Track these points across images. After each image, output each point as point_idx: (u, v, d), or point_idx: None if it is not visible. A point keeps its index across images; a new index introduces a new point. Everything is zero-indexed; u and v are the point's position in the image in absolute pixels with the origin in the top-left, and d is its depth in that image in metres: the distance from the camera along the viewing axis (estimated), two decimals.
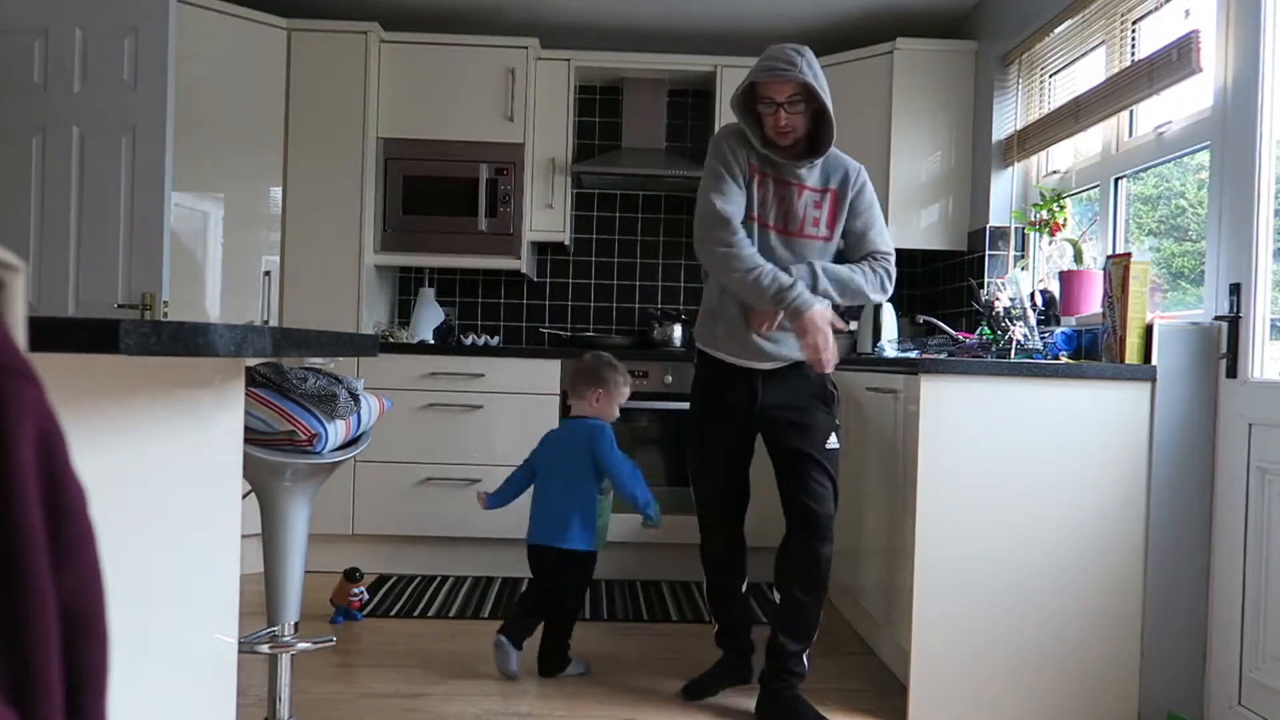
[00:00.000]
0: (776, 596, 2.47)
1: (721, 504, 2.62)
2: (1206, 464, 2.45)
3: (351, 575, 3.22)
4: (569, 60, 4.24)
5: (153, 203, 3.35)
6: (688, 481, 3.88)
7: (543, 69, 4.23)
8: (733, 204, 2.36)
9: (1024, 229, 3.63)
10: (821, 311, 2.31)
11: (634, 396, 3.93)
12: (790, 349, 2.43)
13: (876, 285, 2.45)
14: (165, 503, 1.26)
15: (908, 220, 4.04)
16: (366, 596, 3.32)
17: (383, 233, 4.08)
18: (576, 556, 2.74)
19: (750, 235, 2.38)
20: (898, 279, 4.85)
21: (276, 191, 3.95)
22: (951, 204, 4.05)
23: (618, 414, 2.92)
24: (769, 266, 2.31)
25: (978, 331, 3.25)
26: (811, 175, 2.44)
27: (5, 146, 3.39)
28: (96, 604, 0.62)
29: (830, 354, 2.31)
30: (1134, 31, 2.98)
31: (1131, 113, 3.00)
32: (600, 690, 2.65)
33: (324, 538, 3.66)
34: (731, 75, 4.24)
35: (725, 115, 4.24)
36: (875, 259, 2.47)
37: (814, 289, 2.33)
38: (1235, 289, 2.34)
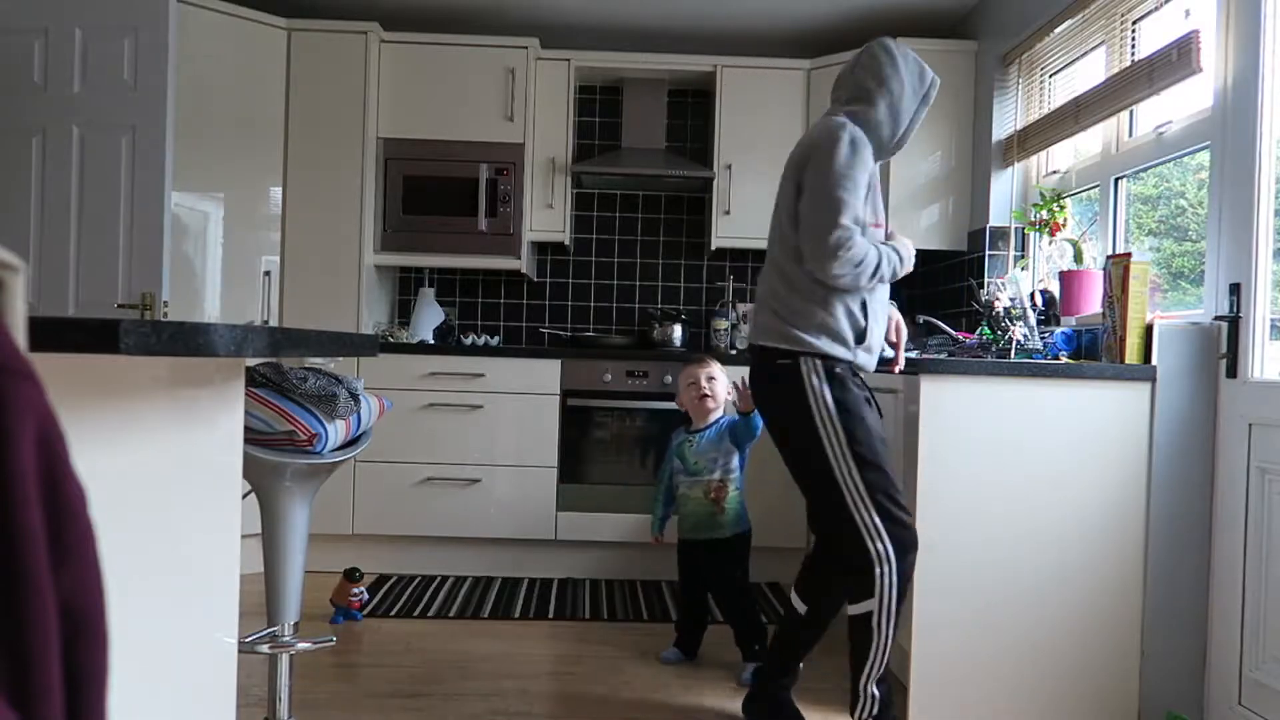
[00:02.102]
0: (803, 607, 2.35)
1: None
2: (1206, 464, 2.45)
3: (351, 575, 3.22)
4: (569, 60, 4.24)
5: (153, 203, 3.35)
6: None
7: (543, 69, 4.23)
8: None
9: (1024, 229, 3.64)
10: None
11: (633, 396, 3.94)
12: None
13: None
14: (165, 503, 1.26)
15: (908, 220, 4.04)
16: (366, 596, 3.32)
17: (383, 233, 4.08)
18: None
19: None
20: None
21: (276, 191, 3.95)
22: (951, 204, 4.05)
23: (691, 408, 2.98)
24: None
25: (978, 331, 3.25)
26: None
27: (5, 146, 3.39)
28: (96, 604, 0.62)
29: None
30: (1134, 31, 2.98)
31: (1131, 113, 3.00)
32: (600, 690, 2.65)
33: (324, 538, 3.67)
34: (731, 75, 4.24)
35: (725, 115, 4.25)
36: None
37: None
38: (1235, 289, 2.34)
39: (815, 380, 2.17)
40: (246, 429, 1.68)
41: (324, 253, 3.96)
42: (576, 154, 4.47)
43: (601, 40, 4.50)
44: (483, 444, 3.83)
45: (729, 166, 4.24)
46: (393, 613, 3.33)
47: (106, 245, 3.36)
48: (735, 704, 2.57)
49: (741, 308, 4.49)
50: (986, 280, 3.75)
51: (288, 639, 2.12)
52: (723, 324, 4.39)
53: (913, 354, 3.47)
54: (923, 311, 4.28)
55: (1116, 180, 3.08)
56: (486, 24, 4.37)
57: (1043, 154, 3.62)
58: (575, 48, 4.42)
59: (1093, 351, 2.84)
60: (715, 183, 4.24)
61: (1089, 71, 3.25)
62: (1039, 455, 2.46)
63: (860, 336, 2.20)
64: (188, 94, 3.56)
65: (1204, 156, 2.64)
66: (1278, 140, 2.29)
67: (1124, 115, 3.01)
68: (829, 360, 2.18)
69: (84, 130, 3.38)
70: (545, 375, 3.87)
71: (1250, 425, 2.30)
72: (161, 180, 3.35)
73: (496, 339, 4.39)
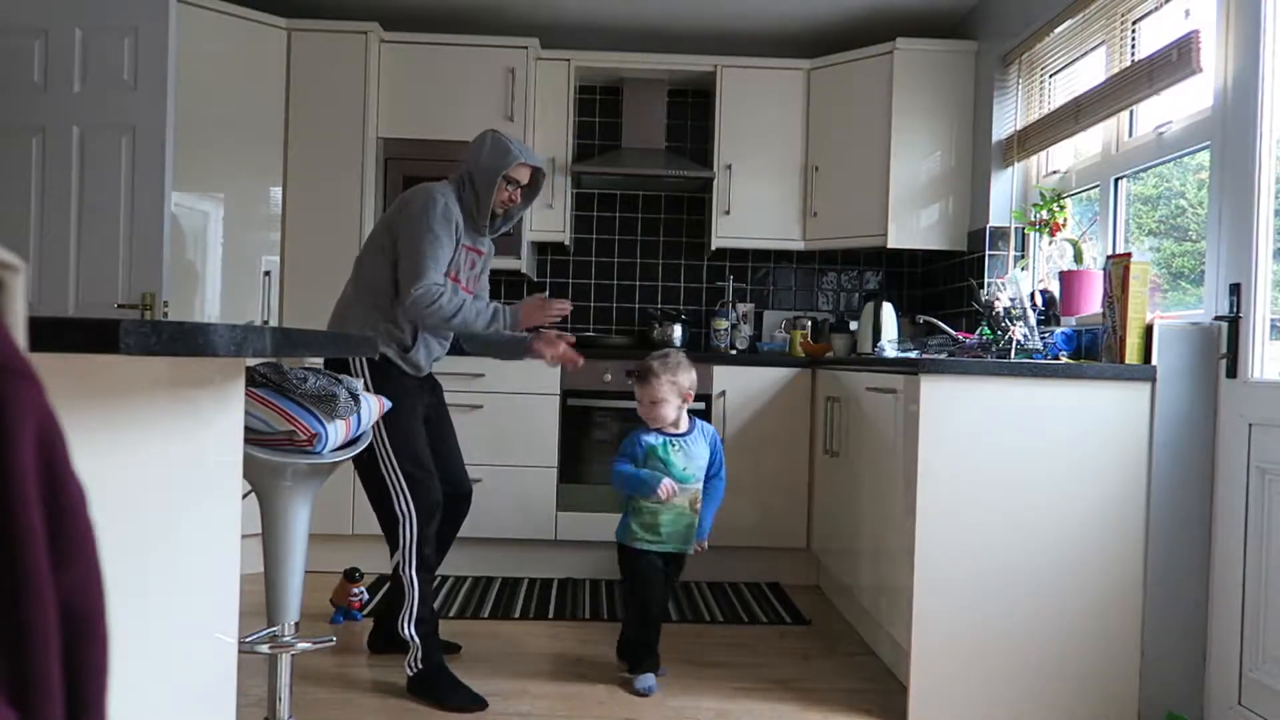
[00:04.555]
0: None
1: None
2: (1206, 464, 2.45)
3: (351, 575, 3.22)
4: (569, 60, 4.24)
5: (153, 203, 3.35)
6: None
7: (543, 69, 4.23)
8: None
9: (1024, 229, 3.64)
10: None
11: (633, 396, 3.93)
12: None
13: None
14: (165, 503, 1.26)
15: (908, 220, 4.04)
16: (366, 596, 3.32)
17: None
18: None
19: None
20: (898, 278, 4.87)
21: (276, 191, 3.95)
22: (951, 204, 4.05)
23: (648, 416, 2.80)
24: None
25: (978, 331, 3.25)
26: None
27: (5, 146, 3.39)
28: (97, 604, 0.62)
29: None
30: (1134, 31, 2.98)
31: (1131, 113, 3.00)
32: (600, 690, 2.65)
33: (324, 538, 3.66)
34: (731, 75, 4.25)
35: (725, 115, 4.25)
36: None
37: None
38: (1235, 289, 2.34)
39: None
40: (246, 429, 1.68)
41: (324, 253, 3.95)
42: (576, 154, 4.47)
43: (601, 40, 4.50)
44: (483, 444, 3.83)
45: (729, 166, 4.24)
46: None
47: (106, 245, 3.36)
48: (735, 704, 2.57)
49: (741, 308, 4.49)
50: (986, 280, 3.75)
51: (288, 639, 2.11)
52: (723, 324, 4.39)
53: (913, 354, 3.47)
54: (923, 311, 4.28)
55: (1116, 180, 3.08)
56: (486, 24, 4.37)
57: (1043, 154, 3.62)
58: (575, 48, 4.42)
59: (1093, 351, 2.84)
60: (715, 183, 4.24)
61: (1089, 71, 3.26)
62: (1039, 455, 2.46)
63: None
64: (188, 94, 3.55)
65: (1204, 156, 2.64)
66: (1278, 140, 2.29)
67: (1124, 115, 3.01)
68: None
69: (84, 130, 3.38)
70: (545, 375, 3.87)
71: (1250, 425, 2.30)
72: (161, 180, 3.35)
73: None
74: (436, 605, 3.42)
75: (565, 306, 2.68)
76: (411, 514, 2.62)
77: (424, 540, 2.64)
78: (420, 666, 2.56)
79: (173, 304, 3.45)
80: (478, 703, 2.50)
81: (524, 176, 2.77)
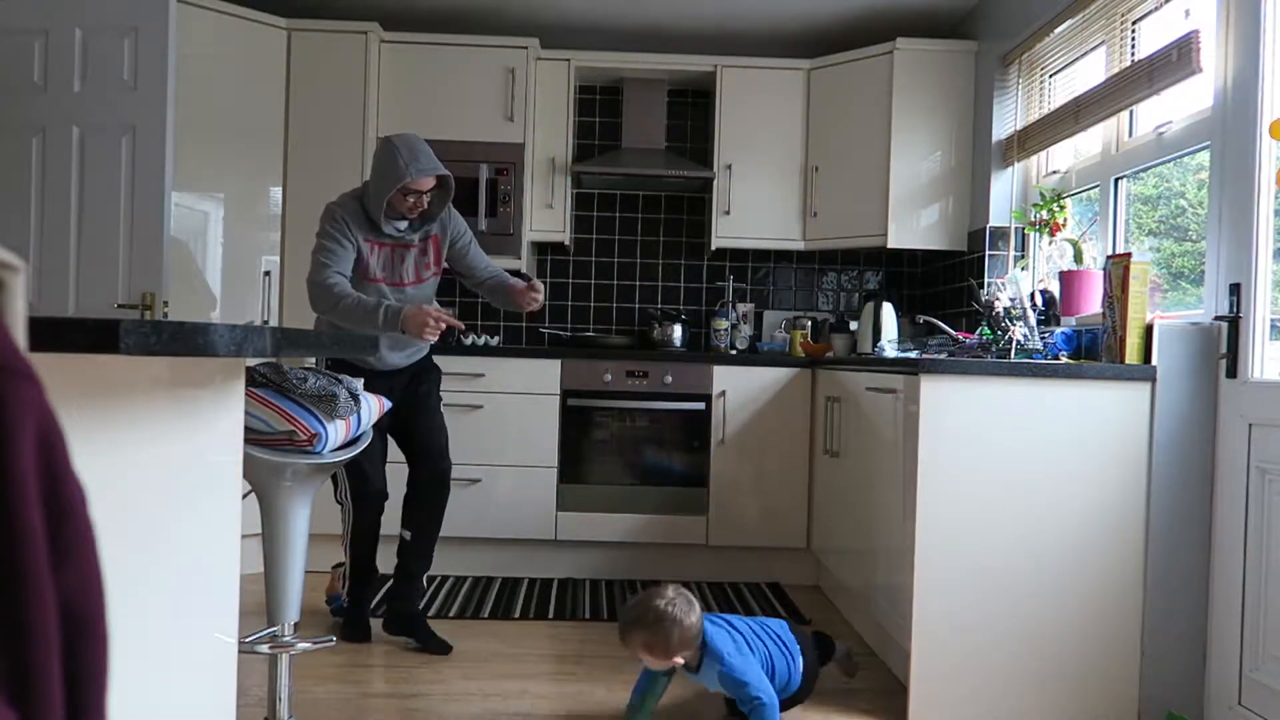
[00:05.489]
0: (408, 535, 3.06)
1: None
2: (1206, 464, 2.45)
3: (339, 567, 3.24)
4: (569, 60, 4.24)
5: (153, 203, 3.35)
6: (689, 482, 3.89)
7: (543, 69, 4.23)
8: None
9: (1024, 229, 3.64)
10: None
11: (633, 396, 3.94)
12: None
13: None
14: (165, 503, 1.26)
15: (908, 220, 4.04)
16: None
17: None
18: None
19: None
20: (898, 278, 4.86)
21: (276, 191, 3.95)
22: (951, 204, 4.05)
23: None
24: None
25: (978, 331, 3.25)
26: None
27: (5, 146, 3.39)
28: (96, 604, 0.62)
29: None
30: (1134, 31, 2.98)
31: (1131, 113, 3.00)
32: (600, 690, 2.65)
33: (324, 538, 3.66)
34: (731, 75, 4.25)
35: (725, 115, 4.25)
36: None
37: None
38: (1235, 289, 2.34)
39: None
40: (246, 429, 1.68)
41: None
42: (576, 154, 4.47)
43: (601, 40, 4.50)
44: (483, 444, 3.83)
45: (729, 166, 4.24)
46: None
47: (106, 245, 3.36)
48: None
49: (741, 307, 4.49)
50: (986, 280, 3.75)
51: (288, 639, 2.11)
52: (723, 324, 4.39)
53: (913, 354, 3.47)
54: (923, 311, 4.28)
55: (1116, 180, 3.08)
56: (486, 24, 4.37)
57: (1043, 154, 3.62)
58: (575, 48, 4.42)
59: (1093, 351, 2.84)
60: (715, 183, 4.24)
61: (1089, 71, 3.25)
62: (1039, 455, 2.46)
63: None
64: (188, 94, 3.55)
65: (1204, 156, 2.64)
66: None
67: (1124, 115, 3.01)
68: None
69: (84, 130, 3.38)
70: (545, 375, 3.87)
71: (1250, 425, 2.30)
72: (161, 180, 3.35)
73: (497, 339, 4.39)
74: (436, 605, 3.43)
75: (456, 325, 2.81)
76: (349, 503, 3.01)
77: (358, 534, 3.03)
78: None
79: (173, 304, 3.45)
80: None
81: (425, 186, 2.83)
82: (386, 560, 3.27)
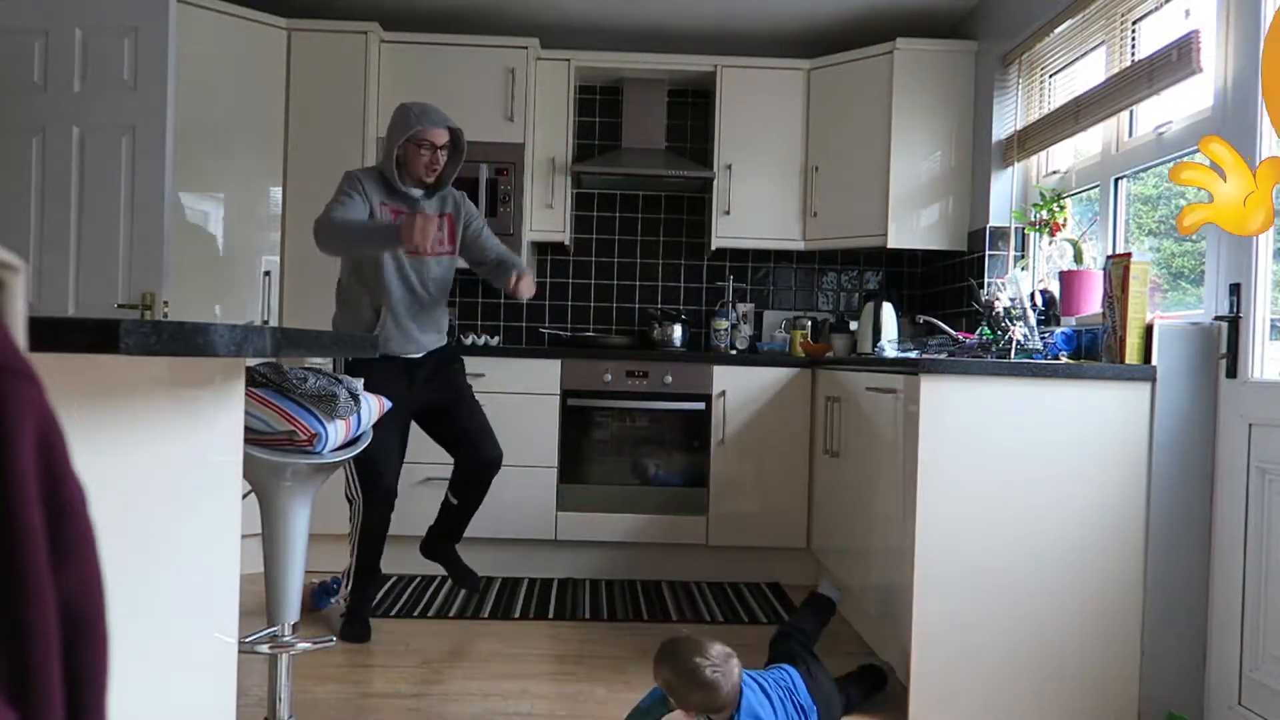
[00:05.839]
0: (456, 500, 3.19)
1: None
2: (1206, 464, 2.45)
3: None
4: (569, 60, 4.24)
5: (153, 203, 3.35)
6: (689, 482, 3.89)
7: (543, 69, 4.23)
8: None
9: (1024, 229, 3.64)
10: None
11: (633, 396, 3.94)
12: None
13: None
14: (165, 503, 1.26)
15: (907, 220, 4.04)
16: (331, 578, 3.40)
17: None
18: None
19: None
20: (897, 278, 4.85)
21: (276, 191, 3.94)
22: (951, 204, 4.05)
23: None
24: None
25: (978, 331, 3.25)
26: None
27: (5, 146, 3.39)
28: (96, 604, 0.62)
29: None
30: (1134, 31, 2.98)
31: (1131, 113, 3.00)
32: (600, 690, 2.65)
33: (324, 538, 3.66)
34: (731, 75, 4.25)
35: (725, 115, 4.25)
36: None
37: None
38: (1235, 289, 2.34)
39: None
40: (246, 429, 1.68)
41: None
42: (576, 154, 4.47)
43: (601, 40, 4.50)
44: None
45: (729, 166, 4.24)
46: (393, 613, 3.33)
47: (106, 245, 3.36)
48: None
49: (741, 308, 4.49)
50: (986, 280, 3.75)
51: (288, 639, 2.11)
52: (723, 324, 4.39)
53: (913, 354, 3.47)
54: (923, 311, 4.28)
55: (1116, 180, 3.08)
56: (486, 24, 4.37)
57: (1043, 154, 3.62)
58: (575, 48, 4.42)
59: (1093, 351, 2.84)
60: (715, 183, 4.24)
61: (1089, 71, 3.25)
62: (1039, 455, 2.46)
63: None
64: (188, 94, 3.55)
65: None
66: (1278, 140, 2.29)
67: (1124, 115, 3.01)
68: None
69: (84, 130, 3.38)
70: (545, 375, 3.87)
71: (1250, 425, 2.30)
72: (161, 180, 3.35)
73: (496, 339, 4.39)
74: (436, 605, 3.43)
75: (440, 237, 2.97)
76: (359, 499, 3.00)
77: (367, 530, 3.01)
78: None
79: (173, 304, 3.45)
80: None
81: (438, 139, 2.95)
82: (387, 561, 3.28)
